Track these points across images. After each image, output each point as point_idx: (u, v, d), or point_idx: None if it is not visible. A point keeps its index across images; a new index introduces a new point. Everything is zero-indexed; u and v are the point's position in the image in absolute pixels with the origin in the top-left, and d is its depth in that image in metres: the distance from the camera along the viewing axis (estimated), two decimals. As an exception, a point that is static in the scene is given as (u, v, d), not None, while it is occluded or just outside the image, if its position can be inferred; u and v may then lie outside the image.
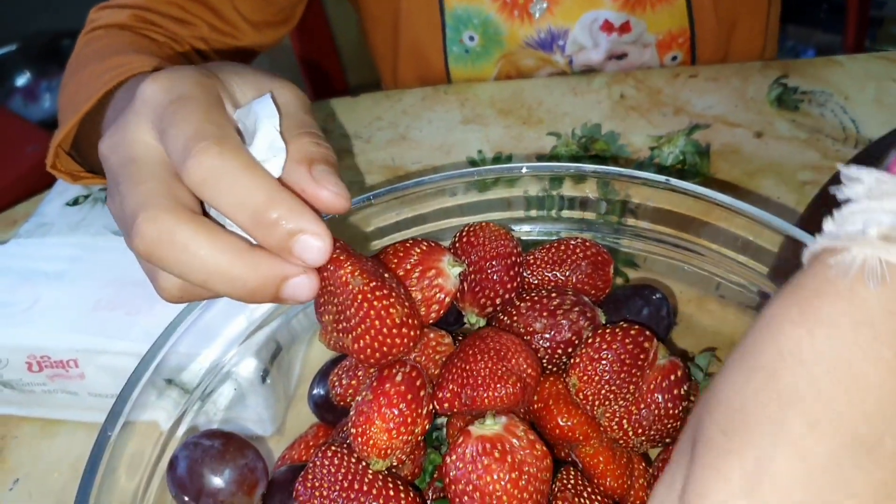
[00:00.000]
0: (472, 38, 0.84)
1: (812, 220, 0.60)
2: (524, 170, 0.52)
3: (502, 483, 0.39)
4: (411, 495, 0.41)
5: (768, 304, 0.31)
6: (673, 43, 0.83)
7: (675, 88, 0.77)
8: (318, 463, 0.42)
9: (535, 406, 0.46)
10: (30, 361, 0.54)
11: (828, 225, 0.31)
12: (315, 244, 0.36)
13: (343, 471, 0.41)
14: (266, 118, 0.39)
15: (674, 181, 0.49)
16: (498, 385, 0.43)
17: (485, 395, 0.42)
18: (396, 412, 0.41)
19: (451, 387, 0.43)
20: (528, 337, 0.47)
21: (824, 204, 0.62)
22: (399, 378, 0.42)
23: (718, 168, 0.70)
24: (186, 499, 0.42)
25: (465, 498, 0.40)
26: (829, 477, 0.27)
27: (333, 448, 0.42)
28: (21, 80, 2.55)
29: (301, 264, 0.37)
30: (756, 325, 0.31)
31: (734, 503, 0.27)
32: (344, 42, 1.15)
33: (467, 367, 0.43)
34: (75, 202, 0.63)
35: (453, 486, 0.40)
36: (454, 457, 0.40)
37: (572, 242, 0.52)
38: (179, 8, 0.74)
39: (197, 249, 0.36)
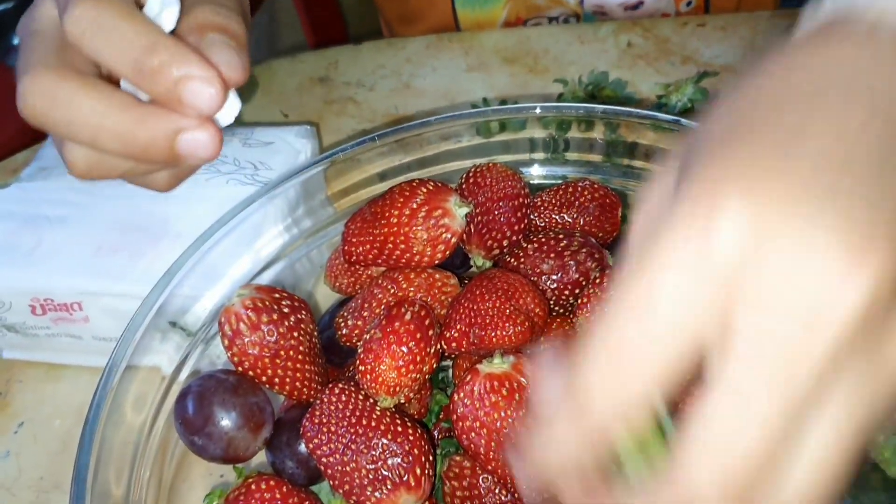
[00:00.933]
0: None
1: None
2: (538, 110, 0.51)
3: (510, 420, 0.39)
4: (419, 431, 0.41)
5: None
6: None
7: (683, 37, 0.76)
8: (325, 400, 0.42)
9: (543, 347, 0.46)
10: (33, 304, 0.54)
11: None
12: (206, 90, 0.34)
13: (351, 407, 0.41)
14: None
15: (685, 121, 0.48)
16: (507, 324, 0.42)
17: (493, 334, 0.42)
18: (405, 350, 0.41)
19: (459, 326, 0.43)
20: (536, 278, 0.47)
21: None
22: (408, 317, 0.42)
23: (726, 116, 0.69)
24: (193, 426, 0.42)
25: (473, 434, 0.40)
26: (869, 147, 0.24)
27: (341, 386, 0.42)
28: (18, 39, 2.52)
29: (194, 115, 0.35)
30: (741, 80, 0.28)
31: (760, 164, 0.24)
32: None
33: (475, 307, 0.43)
34: (76, 147, 0.62)
35: (461, 423, 0.40)
36: (462, 394, 0.40)
37: (580, 185, 0.51)
38: None
39: (80, 105, 0.34)
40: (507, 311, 0.43)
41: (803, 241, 0.23)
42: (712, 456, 0.24)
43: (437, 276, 0.47)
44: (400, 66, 0.79)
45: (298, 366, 0.44)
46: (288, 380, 0.44)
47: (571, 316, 0.46)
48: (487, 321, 0.43)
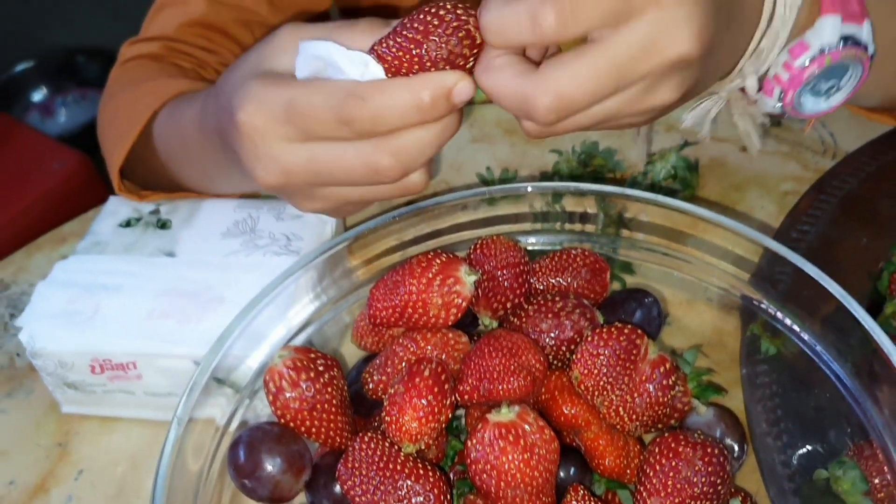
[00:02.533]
0: None
1: (791, 228, 0.67)
2: (529, 189, 0.59)
3: (516, 463, 0.46)
4: (438, 474, 0.48)
5: None
6: None
7: (667, 107, 0.84)
8: (356, 447, 0.49)
9: (543, 397, 0.53)
10: (93, 364, 0.61)
11: None
12: (464, 86, 0.46)
13: (379, 453, 0.48)
14: (334, 51, 0.47)
15: (661, 199, 0.55)
16: (512, 378, 0.49)
17: (500, 387, 0.49)
18: (425, 402, 0.48)
19: (471, 380, 0.50)
20: (536, 336, 0.54)
21: (804, 213, 0.69)
22: (427, 373, 0.49)
23: (706, 181, 0.76)
24: (244, 471, 0.48)
25: (484, 476, 0.46)
26: None
27: (369, 434, 0.49)
28: (38, 97, 2.61)
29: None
30: None
31: None
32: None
33: (484, 363, 0.50)
34: (127, 224, 0.69)
35: (474, 466, 0.47)
36: (474, 441, 0.47)
37: (573, 252, 0.58)
38: (205, 38, 0.81)
39: (392, 103, 0.45)
40: (512, 367, 0.50)
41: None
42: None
43: (451, 335, 0.54)
44: (410, 137, 0.86)
45: (332, 417, 0.51)
46: (323, 430, 0.51)
47: (568, 369, 0.52)
48: (495, 376, 0.50)
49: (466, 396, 0.50)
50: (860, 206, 0.69)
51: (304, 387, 0.50)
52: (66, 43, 2.64)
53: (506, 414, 0.47)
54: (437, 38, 0.45)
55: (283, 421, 0.51)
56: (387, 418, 0.49)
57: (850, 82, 0.54)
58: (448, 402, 0.49)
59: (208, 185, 0.71)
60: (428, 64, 0.45)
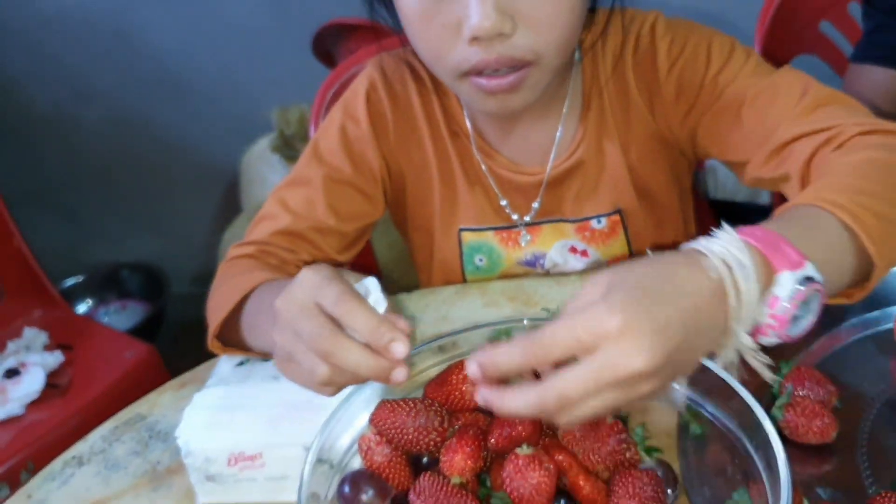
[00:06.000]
0: (481, 260, 1.21)
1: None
2: (525, 322, 0.88)
3: (538, 477, 0.71)
4: (478, 500, 0.74)
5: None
6: (618, 263, 1.20)
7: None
8: (422, 481, 0.73)
9: (542, 453, 0.79)
10: (230, 457, 0.86)
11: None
12: (400, 347, 0.72)
13: (437, 485, 0.72)
14: (375, 288, 0.80)
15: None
16: (525, 422, 0.76)
17: (518, 428, 0.76)
18: (470, 449, 0.74)
19: (497, 431, 0.77)
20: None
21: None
22: (472, 433, 0.76)
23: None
24: (349, 499, 0.74)
25: (517, 485, 0.71)
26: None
27: (429, 474, 0.74)
28: (83, 308, 2.88)
29: (392, 359, 0.73)
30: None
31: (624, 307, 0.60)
32: (383, 263, 1.55)
33: (505, 420, 0.77)
34: (241, 364, 0.98)
35: (509, 481, 0.72)
36: (510, 467, 0.73)
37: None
38: (288, 242, 1.13)
39: (354, 352, 0.73)
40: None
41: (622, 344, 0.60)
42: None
43: (481, 416, 0.81)
44: (439, 305, 1.16)
45: (401, 467, 0.77)
46: (395, 475, 0.77)
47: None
48: (514, 423, 0.76)
49: (494, 440, 0.77)
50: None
51: (384, 447, 0.77)
52: (112, 259, 2.93)
53: (526, 450, 0.73)
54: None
55: (370, 469, 0.77)
56: (443, 458, 0.75)
57: (816, 305, 0.68)
58: (483, 453, 0.76)
59: (261, 346, 0.96)
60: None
